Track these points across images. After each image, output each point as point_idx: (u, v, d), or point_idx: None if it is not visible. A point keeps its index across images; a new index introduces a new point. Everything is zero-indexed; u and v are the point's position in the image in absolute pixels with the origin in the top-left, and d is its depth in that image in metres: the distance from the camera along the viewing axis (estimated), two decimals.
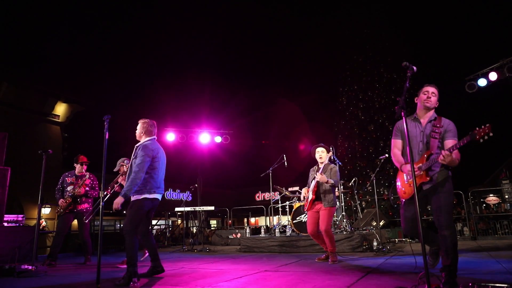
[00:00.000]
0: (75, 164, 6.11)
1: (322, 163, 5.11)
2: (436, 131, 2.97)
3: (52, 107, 17.11)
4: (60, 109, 17.45)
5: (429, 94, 3.07)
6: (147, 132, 4.11)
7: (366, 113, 17.23)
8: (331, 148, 5.60)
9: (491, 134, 2.54)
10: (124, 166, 5.48)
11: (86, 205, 5.91)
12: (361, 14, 19.51)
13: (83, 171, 6.06)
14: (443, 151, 2.74)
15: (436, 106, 3.12)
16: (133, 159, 3.94)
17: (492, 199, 20.63)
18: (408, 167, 3.00)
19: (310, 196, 5.11)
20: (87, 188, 5.91)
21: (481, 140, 2.56)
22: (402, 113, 2.66)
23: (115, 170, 5.56)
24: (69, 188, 5.88)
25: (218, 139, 11.61)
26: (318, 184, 5.08)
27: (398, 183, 3.20)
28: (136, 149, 4.01)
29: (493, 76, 8.62)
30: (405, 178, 3.09)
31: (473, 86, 8.91)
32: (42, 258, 6.28)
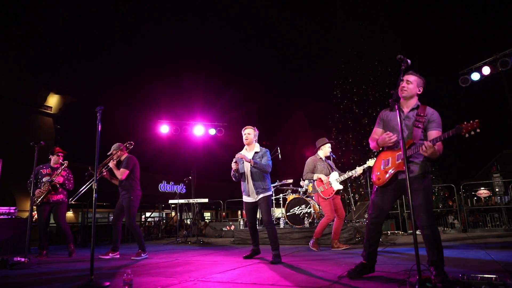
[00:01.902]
0: (50, 156, 6.01)
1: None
2: (420, 120, 2.92)
3: (45, 98, 16.91)
4: (53, 101, 17.25)
5: (404, 83, 3.01)
6: (257, 137, 4.81)
7: (361, 106, 17.28)
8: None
9: (478, 130, 2.46)
10: (119, 151, 5.44)
11: (61, 196, 5.81)
12: (356, 7, 19.45)
13: (59, 162, 5.94)
14: (425, 142, 2.69)
15: (418, 93, 3.06)
16: (257, 159, 4.59)
17: (483, 192, 20.88)
18: (384, 134, 2.98)
19: (339, 186, 5.63)
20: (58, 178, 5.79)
21: (467, 135, 2.49)
22: (396, 106, 2.67)
23: (108, 154, 5.51)
24: (44, 179, 5.77)
25: (212, 131, 11.58)
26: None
27: (374, 171, 3.15)
28: (257, 153, 4.67)
29: (486, 70, 8.68)
30: (382, 165, 3.07)
31: (466, 80, 8.97)
32: (35, 250, 6.27)
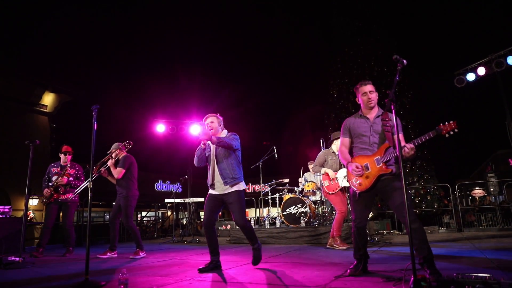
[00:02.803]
0: (60, 155, 6.09)
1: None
2: (387, 124, 3.02)
3: (40, 97, 16.80)
4: (48, 99, 17.15)
5: (369, 95, 3.18)
6: (222, 127, 4.08)
7: (357, 106, 17.30)
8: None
9: (456, 130, 2.71)
10: (117, 150, 5.46)
11: (69, 195, 5.87)
12: (352, 7, 19.50)
13: (67, 161, 6.02)
14: (407, 144, 2.82)
15: (377, 99, 3.24)
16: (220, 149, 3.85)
17: (478, 192, 21.02)
18: (352, 166, 3.08)
19: (346, 183, 5.33)
20: (70, 178, 5.88)
21: (447, 135, 2.73)
22: (392, 106, 2.69)
23: (108, 152, 5.52)
24: (53, 178, 5.88)
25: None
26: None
27: (352, 177, 3.17)
28: (222, 138, 3.77)
29: (481, 71, 8.72)
30: (362, 171, 3.10)
31: (462, 81, 9.01)
32: (29, 250, 6.23)
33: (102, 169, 5.41)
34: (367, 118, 3.22)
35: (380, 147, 3.07)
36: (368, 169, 3.06)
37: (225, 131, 4.07)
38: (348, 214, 6.02)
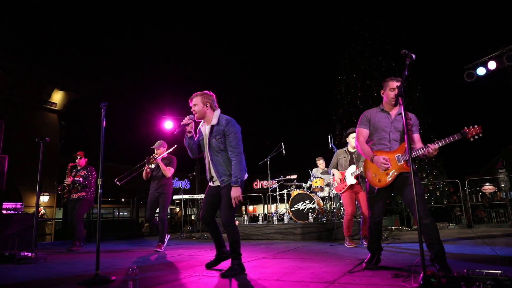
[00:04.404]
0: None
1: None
2: (409, 123, 3.01)
3: (49, 94, 16.97)
4: (57, 97, 17.32)
5: (397, 91, 3.05)
6: (211, 106, 3.35)
7: (365, 102, 17.22)
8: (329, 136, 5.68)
9: (481, 135, 2.69)
10: (164, 149, 5.72)
11: (82, 193, 6.20)
12: (359, 2, 19.30)
13: (79, 164, 6.45)
14: (431, 145, 2.84)
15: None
16: (217, 138, 3.27)
17: (488, 188, 20.77)
18: (380, 158, 3.04)
19: (353, 180, 5.28)
20: (76, 178, 6.20)
21: (472, 139, 2.70)
22: (401, 100, 2.67)
23: (152, 147, 5.73)
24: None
25: None
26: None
27: (371, 173, 3.17)
28: (214, 127, 3.28)
29: (492, 65, 8.58)
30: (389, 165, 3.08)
31: (471, 75, 8.88)
32: (41, 246, 6.33)
33: (152, 165, 5.56)
34: (389, 114, 3.18)
35: (400, 144, 3.06)
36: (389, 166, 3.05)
37: (217, 112, 3.37)
38: (357, 210, 5.98)
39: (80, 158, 6.43)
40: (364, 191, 5.13)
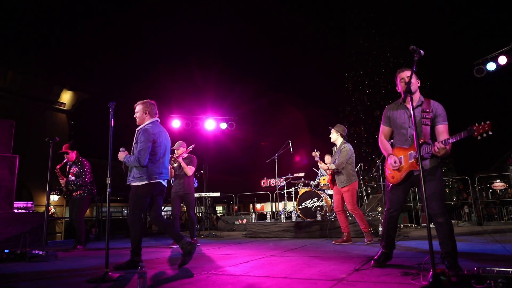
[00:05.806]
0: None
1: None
2: (427, 116, 2.92)
3: (58, 95, 17.17)
4: (66, 97, 17.51)
5: (406, 80, 2.95)
6: (150, 113, 3.81)
7: (372, 99, 17.09)
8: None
9: (490, 133, 2.44)
10: (185, 150, 5.89)
11: (79, 192, 5.91)
12: None
13: (68, 160, 6.00)
14: (437, 144, 2.73)
15: (418, 85, 3.07)
16: (134, 144, 3.72)
17: (498, 184, 20.54)
18: (391, 159, 3.03)
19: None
20: (70, 178, 5.88)
21: (479, 138, 2.48)
22: (409, 97, 2.64)
23: (173, 148, 5.82)
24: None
25: (224, 125, 11.60)
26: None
27: (387, 169, 3.20)
28: (137, 133, 3.75)
29: (502, 60, 8.45)
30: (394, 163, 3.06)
31: (481, 71, 8.75)
32: (52, 244, 6.41)
33: (172, 166, 5.83)
34: (407, 108, 3.05)
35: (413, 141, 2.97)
36: (401, 163, 3.01)
37: (147, 120, 3.79)
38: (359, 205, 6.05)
39: (67, 154, 5.94)
40: (340, 187, 5.32)
